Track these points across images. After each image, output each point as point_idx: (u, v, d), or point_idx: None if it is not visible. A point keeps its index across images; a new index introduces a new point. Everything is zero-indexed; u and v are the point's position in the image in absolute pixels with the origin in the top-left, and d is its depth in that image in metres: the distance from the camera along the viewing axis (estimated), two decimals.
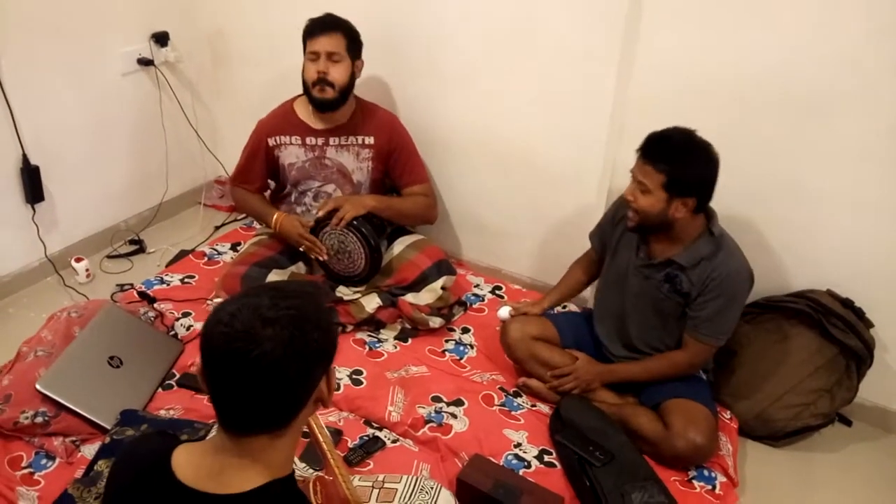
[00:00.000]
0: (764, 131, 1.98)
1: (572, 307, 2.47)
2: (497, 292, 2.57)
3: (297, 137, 2.31)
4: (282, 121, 2.33)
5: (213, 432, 1.61)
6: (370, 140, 2.33)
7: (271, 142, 2.33)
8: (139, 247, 2.85)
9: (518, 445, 1.92)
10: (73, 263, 2.60)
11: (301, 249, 2.35)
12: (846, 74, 1.83)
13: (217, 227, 3.05)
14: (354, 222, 2.21)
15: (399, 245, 2.40)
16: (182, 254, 2.79)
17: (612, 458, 1.81)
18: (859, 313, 2.01)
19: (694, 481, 1.84)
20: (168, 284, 2.49)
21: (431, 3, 2.33)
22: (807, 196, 2.01)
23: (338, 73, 2.19)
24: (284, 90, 2.68)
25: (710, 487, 1.83)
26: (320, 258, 2.30)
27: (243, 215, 3.11)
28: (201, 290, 2.47)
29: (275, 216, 2.35)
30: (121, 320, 2.16)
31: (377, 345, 2.28)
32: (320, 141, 2.31)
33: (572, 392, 2.01)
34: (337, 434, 1.92)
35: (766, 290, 2.12)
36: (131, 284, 2.56)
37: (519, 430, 1.96)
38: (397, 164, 2.39)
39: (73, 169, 2.62)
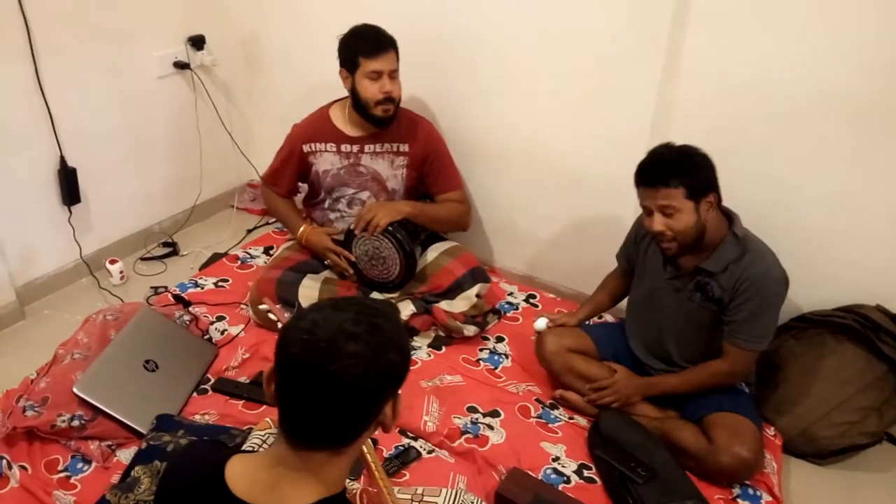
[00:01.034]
0: (812, 141, 1.93)
1: (608, 317, 2.43)
2: (531, 301, 2.54)
3: (332, 144, 2.30)
4: (317, 127, 2.31)
5: (251, 439, 1.61)
6: (405, 147, 2.31)
7: (306, 148, 2.32)
8: (172, 249, 2.86)
9: (556, 459, 1.88)
10: (108, 265, 2.60)
11: (326, 263, 2.33)
12: (891, 84, 1.77)
13: (249, 231, 3.05)
14: (389, 228, 2.19)
15: (433, 252, 2.37)
16: (215, 257, 2.79)
17: (654, 475, 1.77)
18: None
19: (738, 500, 1.79)
20: (202, 288, 2.49)
21: (469, 6, 2.31)
22: (856, 208, 1.95)
23: (398, 89, 2.18)
24: (317, 94, 2.67)
25: None
26: (346, 273, 2.28)
27: (274, 219, 3.12)
28: (235, 293, 2.47)
29: (300, 229, 2.35)
30: (156, 324, 2.16)
31: (411, 353, 2.25)
32: (355, 148, 2.30)
33: (611, 406, 1.97)
34: (372, 443, 1.89)
35: (812, 303, 2.07)
36: (165, 287, 2.56)
37: (557, 444, 1.93)
38: (432, 171, 2.37)
39: (110, 171, 2.63)
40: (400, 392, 1.04)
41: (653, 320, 2.00)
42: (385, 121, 2.21)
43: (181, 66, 2.73)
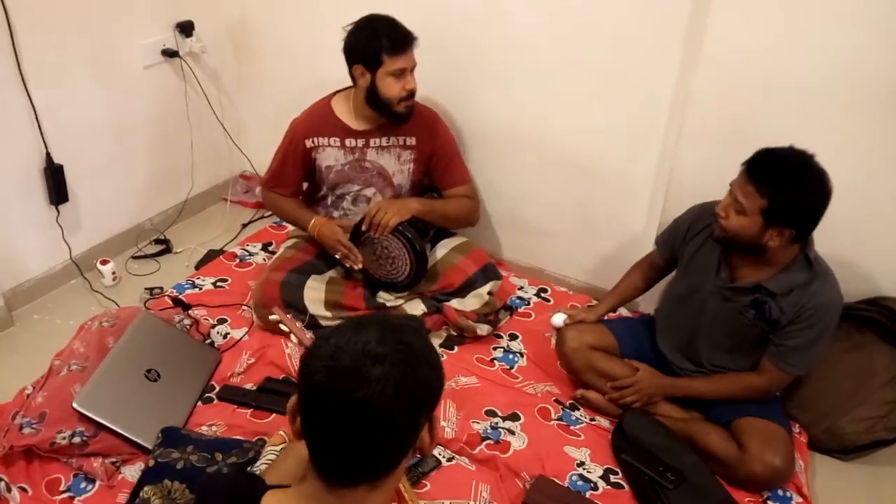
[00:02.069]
0: (837, 130, 1.86)
1: (624, 311, 2.37)
2: (542, 295, 2.47)
3: (336, 139, 2.19)
4: (319, 121, 2.19)
5: (266, 455, 1.53)
6: (412, 140, 2.21)
7: (308, 143, 2.20)
8: (165, 247, 2.74)
9: (581, 464, 1.82)
10: (99, 266, 2.48)
11: (337, 256, 2.24)
12: None
13: (244, 225, 2.94)
14: (399, 227, 2.10)
15: (442, 248, 2.28)
16: (211, 254, 2.68)
17: (683, 479, 1.72)
18: None
19: (769, 502, 1.75)
20: (200, 289, 2.38)
21: None
22: (882, 199, 1.90)
23: (416, 84, 2.08)
24: (312, 80, 2.57)
25: None
26: (355, 267, 2.19)
27: (270, 212, 3.01)
28: (235, 294, 2.37)
29: (312, 221, 2.23)
30: (156, 330, 2.06)
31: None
32: (360, 142, 2.19)
33: (634, 406, 1.91)
34: None
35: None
36: (161, 288, 2.45)
37: (580, 448, 1.87)
38: (439, 165, 2.27)
39: (98, 167, 2.50)
40: (437, 412, 0.96)
41: (690, 320, 1.90)
42: (406, 116, 2.11)
43: (170, 54, 2.59)
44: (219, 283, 2.43)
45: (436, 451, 1.82)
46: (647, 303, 2.38)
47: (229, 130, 2.90)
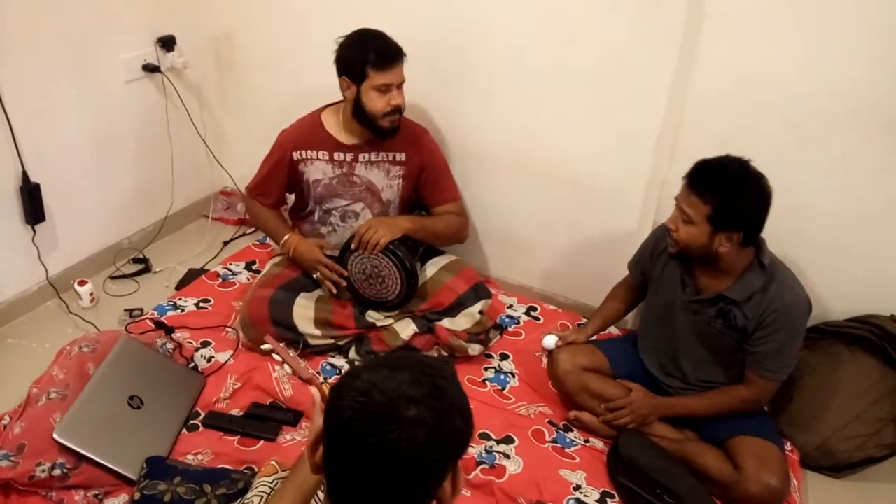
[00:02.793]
0: (827, 149, 1.88)
1: (613, 330, 2.36)
2: (532, 314, 2.45)
3: (325, 152, 2.15)
4: (308, 133, 2.16)
5: (257, 486, 1.48)
6: (401, 156, 2.18)
7: (296, 156, 2.16)
8: (144, 266, 2.67)
9: (578, 488, 1.80)
10: (77, 287, 2.41)
11: (315, 276, 2.19)
12: None
13: (225, 243, 2.88)
14: (389, 245, 2.06)
15: (432, 267, 2.26)
16: (192, 273, 2.62)
17: (680, 501, 1.70)
18: None
19: None
20: (182, 310, 2.32)
21: (466, 7, 2.18)
22: (869, 217, 1.92)
23: (404, 99, 2.05)
24: (297, 94, 2.56)
25: None
26: (332, 291, 2.15)
27: (252, 229, 2.96)
28: (219, 315, 2.31)
29: (285, 238, 2.19)
30: (138, 354, 1.99)
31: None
32: (349, 157, 2.16)
33: (628, 426, 1.90)
34: None
35: (825, 314, 2.04)
36: (141, 310, 2.38)
37: (576, 471, 1.84)
38: (429, 182, 2.25)
39: (75, 185, 2.43)
40: (460, 463, 0.93)
41: (667, 338, 1.93)
42: (391, 131, 2.08)
43: (151, 69, 2.53)
44: (201, 304, 2.36)
45: None
46: (636, 321, 2.39)
47: (210, 146, 2.84)
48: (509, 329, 2.36)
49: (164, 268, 2.69)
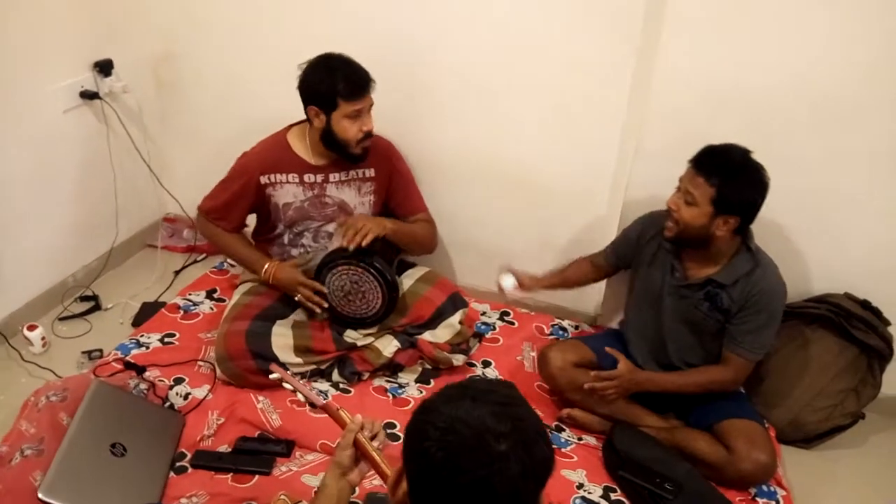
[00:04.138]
0: (783, 141, 2.00)
1: (586, 328, 2.43)
2: (506, 318, 2.48)
3: (295, 175, 2.10)
4: (275, 157, 2.10)
5: None
6: (371, 172, 2.16)
7: (263, 179, 2.10)
8: (94, 303, 2.52)
9: (581, 486, 1.84)
10: (26, 332, 2.24)
11: (296, 299, 2.14)
12: (864, 82, 1.87)
13: (177, 272, 2.75)
14: (366, 260, 2.03)
15: (407, 279, 2.25)
16: (147, 307, 2.49)
17: (681, 489, 1.77)
18: (877, 313, 2.09)
19: (758, 498, 1.84)
20: (147, 348, 2.20)
21: (424, 19, 2.19)
22: (823, 202, 2.05)
23: (373, 124, 2.02)
24: (242, 115, 2.54)
25: (773, 503, 1.83)
26: (316, 311, 2.11)
27: (202, 256, 2.85)
28: (188, 349, 2.21)
29: (265, 266, 2.13)
30: (113, 399, 1.89)
31: (400, 391, 2.13)
32: (320, 178, 2.11)
33: (612, 398, 1.94)
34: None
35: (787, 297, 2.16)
36: (100, 351, 2.25)
37: (576, 469, 1.89)
38: (397, 194, 2.24)
39: (14, 223, 2.26)
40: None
41: (653, 321, 2.00)
42: (363, 157, 2.06)
43: (89, 95, 2.39)
44: (167, 340, 2.26)
45: None
46: (608, 318, 2.47)
47: (154, 171, 2.71)
48: (486, 336, 2.38)
49: (116, 304, 2.55)
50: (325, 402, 1.40)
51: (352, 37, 2.13)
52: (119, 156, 2.58)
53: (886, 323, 2.08)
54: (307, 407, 2.00)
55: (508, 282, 2.08)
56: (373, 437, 1.29)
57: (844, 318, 2.07)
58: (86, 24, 2.36)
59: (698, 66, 1.97)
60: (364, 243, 2.00)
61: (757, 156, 1.92)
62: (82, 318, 2.46)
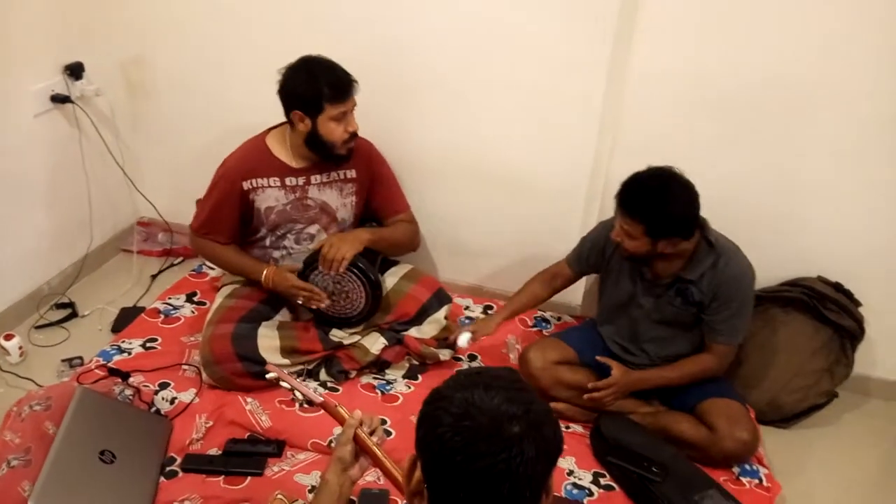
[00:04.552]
0: (754, 132, 2.06)
1: (567, 318, 2.47)
2: (489, 312, 2.50)
3: (276, 179, 2.08)
4: (256, 161, 2.08)
5: None
6: (352, 173, 2.16)
7: (246, 185, 2.07)
8: (71, 310, 2.47)
9: (571, 473, 1.87)
10: (3, 342, 2.20)
11: (299, 302, 2.13)
12: (829, 75, 1.94)
13: (153, 277, 2.72)
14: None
15: (391, 277, 2.25)
16: (126, 313, 2.46)
17: (667, 471, 1.82)
18: (849, 295, 2.16)
19: (742, 478, 1.89)
20: (129, 353, 2.17)
21: (403, 20, 2.20)
22: (795, 189, 2.12)
23: (357, 124, 2.02)
24: (215, 117, 2.54)
25: (757, 481, 1.89)
26: (322, 306, 2.11)
27: (180, 259, 2.82)
28: (171, 354, 2.19)
29: (264, 273, 2.10)
30: (99, 406, 1.86)
31: (388, 387, 2.14)
32: (301, 180, 2.10)
33: (609, 404, 1.98)
34: (384, 495, 1.77)
35: (760, 281, 2.20)
36: (80, 358, 2.21)
37: (566, 457, 1.92)
38: (379, 194, 2.25)
39: None
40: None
41: (630, 323, 2.04)
42: (347, 158, 2.06)
43: (60, 99, 2.35)
44: (149, 345, 2.23)
45: None
46: (589, 308, 2.51)
47: (127, 175, 2.67)
48: None
49: (93, 310, 2.51)
50: (323, 399, 1.40)
51: (329, 38, 2.13)
52: (92, 160, 2.54)
53: (858, 304, 2.16)
54: (296, 406, 2.02)
55: (464, 339, 2.09)
56: (371, 433, 1.30)
57: (818, 300, 2.14)
58: (55, 26, 2.33)
59: (671, 62, 2.02)
60: (341, 269, 2.01)
61: (729, 146, 1.98)
62: (59, 326, 2.42)
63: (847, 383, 2.25)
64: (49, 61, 2.33)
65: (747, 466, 1.92)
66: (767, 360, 2.18)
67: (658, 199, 1.76)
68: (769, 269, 2.21)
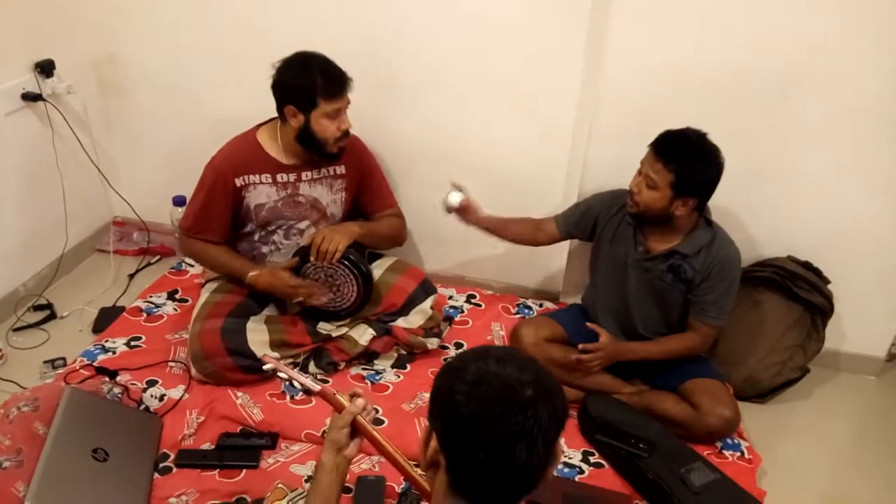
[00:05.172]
0: (725, 118, 2.11)
1: (549, 305, 2.52)
2: (473, 301, 2.54)
3: (268, 175, 2.07)
4: (248, 158, 2.06)
5: None
6: (342, 169, 2.17)
7: (238, 182, 2.05)
8: (50, 312, 2.43)
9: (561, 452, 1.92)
10: None
11: (297, 301, 2.13)
12: (797, 63, 2.02)
13: (131, 276, 2.68)
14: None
15: (377, 269, 2.27)
16: (106, 312, 2.43)
17: (654, 447, 1.88)
18: (818, 273, 2.25)
19: (724, 451, 1.96)
20: (114, 353, 2.15)
21: (381, 15, 2.21)
22: (764, 173, 2.19)
23: (350, 122, 2.02)
24: (191, 113, 2.52)
25: (739, 454, 1.96)
26: (322, 300, 2.12)
27: (157, 258, 2.79)
28: (156, 351, 2.17)
29: (250, 275, 2.09)
30: (88, 405, 1.84)
31: (377, 377, 2.16)
32: (292, 177, 2.10)
33: (596, 368, 2.04)
34: (380, 482, 1.79)
35: None
36: (63, 359, 2.18)
37: None
38: (368, 189, 2.26)
39: None
40: None
41: (618, 294, 2.09)
42: (338, 156, 2.06)
43: (32, 97, 2.30)
44: (133, 343, 2.21)
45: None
46: (569, 295, 2.56)
47: (102, 173, 2.64)
48: (456, 319, 2.44)
49: (72, 311, 2.47)
50: (321, 388, 1.42)
51: (308, 34, 2.13)
52: (65, 159, 2.49)
53: (826, 281, 2.25)
54: (287, 398, 2.03)
55: (455, 198, 2.10)
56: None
57: (789, 279, 2.23)
58: (24, 23, 2.28)
59: (646, 51, 2.08)
60: (335, 260, 2.02)
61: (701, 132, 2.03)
62: (38, 328, 2.37)
63: (818, 358, 2.34)
64: (19, 59, 2.28)
65: (729, 440, 1.99)
66: (743, 338, 2.26)
67: (697, 152, 1.82)
68: (742, 250, 2.23)
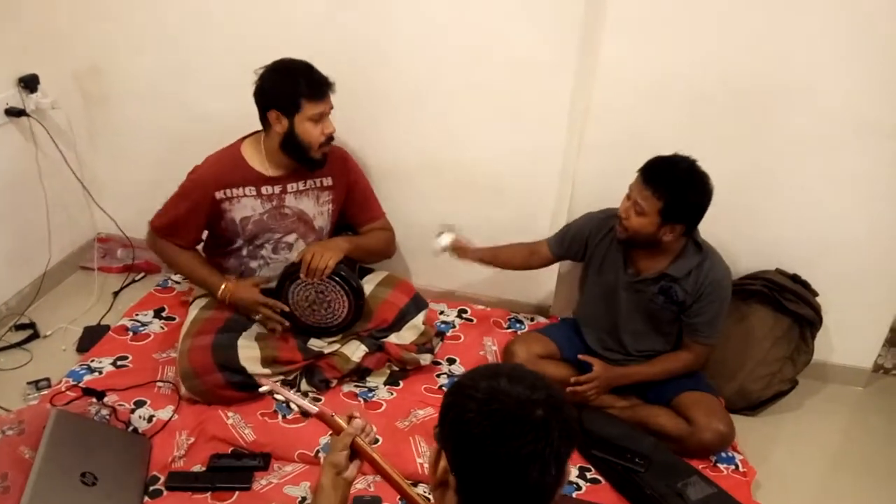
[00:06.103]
0: (713, 130, 2.14)
1: (541, 319, 2.52)
2: (464, 315, 2.53)
3: (252, 188, 2.06)
4: (230, 170, 2.05)
5: None
6: (328, 181, 2.16)
7: (219, 195, 2.04)
8: (32, 331, 2.38)
9: None
10: None
11: (256, 318, 2.12)
12: (782, 74, 2.05)
13: (115, 294, 2.64)
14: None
15: (368, 284, 2.26)
16: (91, 331, 2.38)
17: (650, 461, 1.88)
18: (806, 285, 2.27)
19: (719, 465, 1.97)
20: (100, 373, 2.11)
21: (371, 26, 2.21)
22: (752, 186, 2.22)
23: (334, 127, 2.01)
24: (178, 127, 2.50)
25: (733, 467, 1.97)
26: (278, 329, 2.11)
27: (141, 275, 2.75)
28: (143, 371, 2.13)
29: (222, 288, 2.09)
30: (75, 427, 1.80)
31: (370, 395, 2.14)
32: (277, 189, 2.09)
33: (592, 398, 2.03)
34: (376, 502, 1.77)
35: None
36: (48, 380, 2.13)
37: None
38: (355, 202, 2.25)
39: None
40: None
41: (609, 315, 2.10)
42: (322, 162, 2.05)
43: (15, 113, 2.26)
44: (120, 363, 2.17)
45: (422, 490, 1.80)
46: (560, 309, 2.56)
47: (87, 189, 2.59)
48: (448, 334, 2.43)
49: (55, 330, 2.42)
50: (318, 409, 1.39)
51: (295, 46, 2.09)
52: (49, 174, 2.45)
53: (815, 294, 2.28)
54: (280, 418, 2.00)
55: (445, 240, 2.12)
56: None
57: (777, 291, 2.25)
58: (7, 38, 2.25)
59: (636, 62, 2.10)
60: (325, 276, 2.01)
61: (689, 144, 2.06)
62: (20, 348, 2.32)
63: (807, 370, 2.36)
64: (2, 74, 2.24)
65: (723, 454, 2.00)
66: (733, 350, 2.27)
67: (685, 180, 1.83)
68: (730, 263, 2.26)
